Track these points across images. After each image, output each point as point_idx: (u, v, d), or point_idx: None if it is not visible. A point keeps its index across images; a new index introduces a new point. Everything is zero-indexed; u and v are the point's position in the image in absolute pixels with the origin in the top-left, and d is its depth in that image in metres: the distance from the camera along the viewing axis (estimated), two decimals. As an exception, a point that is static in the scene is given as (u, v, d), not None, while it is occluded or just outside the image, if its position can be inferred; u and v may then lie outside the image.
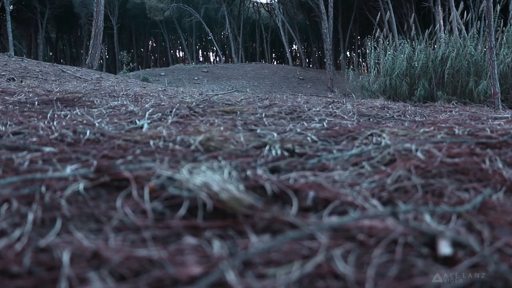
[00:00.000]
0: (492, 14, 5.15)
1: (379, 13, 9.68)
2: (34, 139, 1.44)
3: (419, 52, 7.62)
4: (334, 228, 0.77)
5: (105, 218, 0.82)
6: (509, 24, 7.01)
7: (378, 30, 8.79)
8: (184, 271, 0.62)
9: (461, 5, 7.54)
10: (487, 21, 5.05)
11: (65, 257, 0.65)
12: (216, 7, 38.31)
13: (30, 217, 0.79)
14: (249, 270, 0.64)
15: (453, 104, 3.70)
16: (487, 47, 5.53)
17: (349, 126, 1.86)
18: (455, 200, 0.95)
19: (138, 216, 0.83)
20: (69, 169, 1.08)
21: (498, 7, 7.20)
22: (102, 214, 0.84)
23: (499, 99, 4.99)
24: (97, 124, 1.76)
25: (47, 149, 1.28)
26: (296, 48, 39.83)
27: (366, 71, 9.43)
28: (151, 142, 1.43)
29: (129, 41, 48.27)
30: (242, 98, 3.52)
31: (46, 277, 0.61)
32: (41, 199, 0.88)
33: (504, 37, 6.90)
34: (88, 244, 0.70)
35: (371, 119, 2.23)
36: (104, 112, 2.21)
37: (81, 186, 0.96)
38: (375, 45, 8.56)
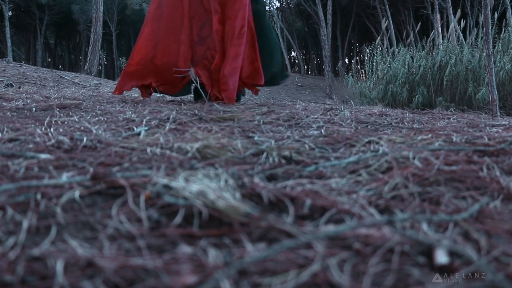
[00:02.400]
0: (490, 21, 5.16)
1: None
2: (31, 145, 1.44)
3: (418, 59, 7.64)
4: (330, 236, 0.76)
5: (100, 226, 0.82)
6: (506, 32, 7.03)
7: (379, 37, 8.81)
8: (178, 280, 0.62)
9: (458, 12, 7.57)
10: (485, 28, 5.06)
11: (59, 265, 0.64)
12: (215, 13, 38.33)
13: (25, 225, 0.79)
14: (244, 279, 0.64)
15: (451, 111, 3.70)
16: (485, 54, 5.55)
17: (347, 133, 1.86)
18: (452, 208, 0.95)
19: (133, 224, 0.82)
20: (65, 177, 1.07)
21: (496, 15, 7.23)
22: (97, 222, 0.83)
23: (497, 106, 4.99)
24: (94, 131, 1.76)
25: (44, 156, 1.28)
26: (295, 55, 39.91)
27: (364, 77, 9.45)
28: (148, 149, 1.42)
29: (128, 47, 48.30)
30: (240, 104, 3.52)
31: (39, 286, 0.60)
32: (36, 207, 0.88)
33: (500, 45, 6.92)
34: (82, 252, 0.69)
35: (369, 126, 2.23)
36: (102, 119, 2.21)
37: (76, 193, 0.95)
38: (375, 52, 8.58)
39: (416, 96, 7.18)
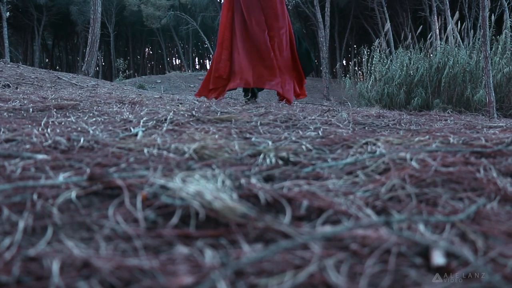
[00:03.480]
0: (487, 23, 5.17)
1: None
2: (27, 146, 1.43)
3: (416, 61, 7.64)
4: (327, 237, 0.76)
5: (96, 226, 0.81)
6: (503, 34, 7.04)
7: (378, 39, 8.82)
8: (175, 281, 0.62)
9: (457, 14, 7.58)
10: (482, 30, 5.07)
11: (55, 266, 0.64)
12: (213, 15, 38.47)
13: (21, 225, 0.79)
14: (240, 280, 0.63)
15: (448, 112, 3.71)
16: (482, 56, 5.55)
17: (344, 134, 1.85)
18: (449, 210, 0.95)
19: (130, 224, 0.82)
20: (61, 177, 1.07)
21: (493, 17, 7.24)
22: (93, 222, 0.83)
23: (494, 108, 5.00)
24: (91, 131, 1.76)
25: (40, 156, 1.28)
26: (293, 56, 39.89)
27: (362, 79, 9.44)
28: (145, 150, 1.42)
29: (126, 48, 48.37)
30: (238, 106, 3.52)
31: (35, 286, 0.60)
32: (32, 207, 0.87)
33: (500, 47, 6.92)
34: (78, 253, 0.69)
35: (366, 128, 2.23)
36: (99, 119, 2.21)
37: (73, 194, 0.95)
38: (373, 54, 8.58)
39: (416, 98, 7.18)
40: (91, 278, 0.62)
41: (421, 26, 9.50)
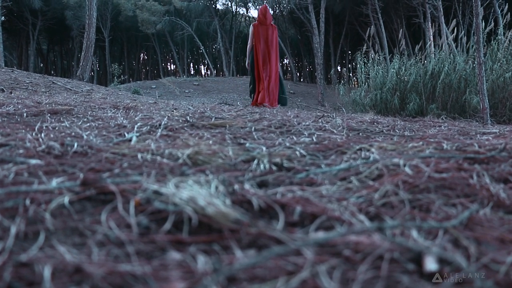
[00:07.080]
0: (481, 30, 5.20)
1: (370, 27, 9.75)
2: (21, 151, 1.43)
3: (409, 66, 7.66)
4: (320, 243, 0.76)
5: (89, 232, 0.81)
6: (493, 40, 7.07)
7: (369, 44, 8.85)
8: (167, 286, 0.62)
9: (454, 22, 7.62)
10: (476, 37, 5.10)
11: (46, 272, 0.64)
12: (208, 21, 38.56)
13: (13, 230, 0.78)
14: (233, 286, 0.63)
15: (442, 119, 3.72)
16: (476, 62, 5.58)
17: (338, 140, 1.86)
18: (442, 216, 0.95)
19: (122, 230, 0.82)
20: (54, 182, 1.06)
21: (483, 23, 7.28)
22: (86, 228, 0.83)
23: (488, 114, 5.02)
24: (85, 137, 1.75)
25: (34, 161, 1.27)
26: (287, 63, 40.05)
27: (356, 85, 9.46)
28: (139, 155, 1.42)
29: (121, 53, 48.32)
30: (232, 111, 3.52)
31: (26, 292, 0.60)
32: (25, 212, 0.87)
33: (499, 54, 6.93)
34: (70, 258, 0.69)
35: (360, 134, 2.23)
36: (93, 125, 2.20)
37: (66, 199, 0.95)
38: (366, 60, 8.60)
39: (411, 104, 7.19)
40: (83, 283, 0.62)
41: (412, 29, 9.52)
